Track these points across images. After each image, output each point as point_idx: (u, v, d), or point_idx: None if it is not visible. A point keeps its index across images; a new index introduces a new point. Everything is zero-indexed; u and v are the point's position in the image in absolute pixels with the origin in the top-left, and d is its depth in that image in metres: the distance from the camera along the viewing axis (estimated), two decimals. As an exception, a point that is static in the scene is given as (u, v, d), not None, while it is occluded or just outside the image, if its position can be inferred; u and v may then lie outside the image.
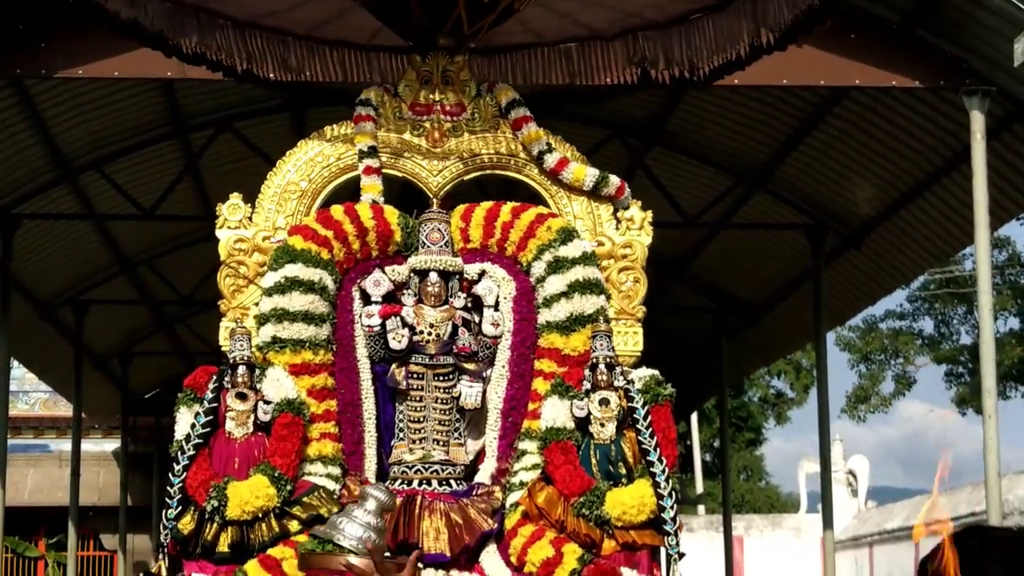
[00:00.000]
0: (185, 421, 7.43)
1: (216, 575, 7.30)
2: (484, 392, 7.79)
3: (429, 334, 7.71)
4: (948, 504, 21.49)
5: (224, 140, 14.96)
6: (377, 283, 7.79)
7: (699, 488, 35.70)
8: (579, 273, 7.70)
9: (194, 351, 20.99)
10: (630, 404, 7.45)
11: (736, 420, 40.54)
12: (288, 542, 7.20)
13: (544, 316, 7.75)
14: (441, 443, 7.72)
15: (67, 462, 20.84)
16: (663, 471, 7.30)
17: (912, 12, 10.80)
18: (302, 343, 7.57)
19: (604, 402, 7.47)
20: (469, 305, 7.85)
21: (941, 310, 35.85)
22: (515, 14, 7.78)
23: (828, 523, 15.88)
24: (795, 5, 7.48)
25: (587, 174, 7.93)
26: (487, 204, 7.97)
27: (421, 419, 7.72)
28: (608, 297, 7.79)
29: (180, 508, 7.31)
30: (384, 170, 7.95)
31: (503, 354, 7.82)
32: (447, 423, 7.75)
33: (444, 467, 7.68)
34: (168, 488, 7.37)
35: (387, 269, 7.84)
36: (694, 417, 34.50)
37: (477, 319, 7.83)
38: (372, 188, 7.92)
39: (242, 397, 7.41)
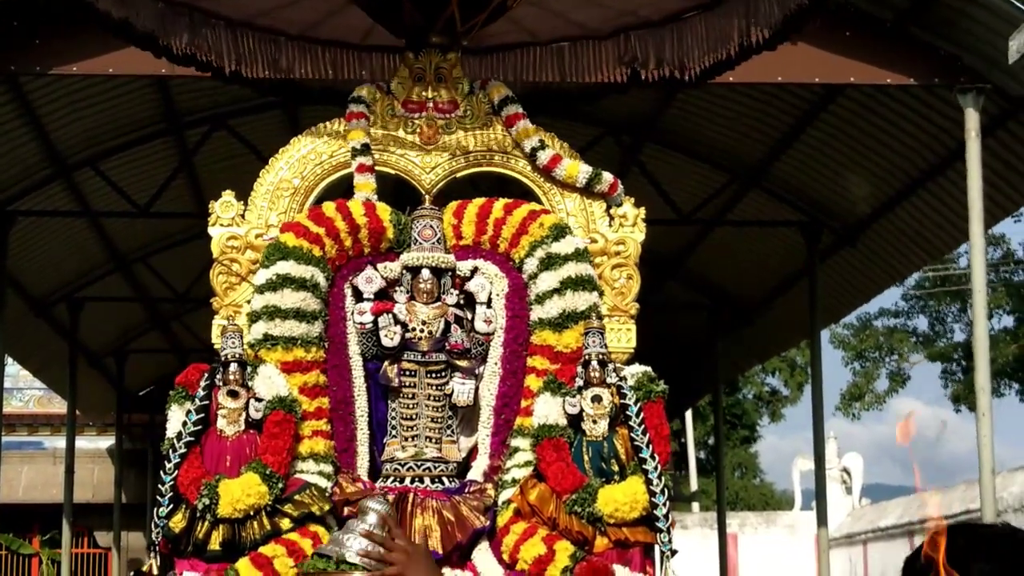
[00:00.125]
0: (176, 419, 7.41)
1: (207, 573, 7.29)
2: (477, 389, 7.79)
3: (421, 331, 7.70)
4: (943, 501, 21.50)
5: (219, 137, 14.97)
6: (369, 280, 7.78)
7: (693, 485, 35.74)
8: (572, 270, 7.70)
9: (189, 348, 21.01)
10: (622, 401, 7.45)
11: (730, 417, 40.60)
12: (280, 540, 7.20)
13: (537, 313, 7.75)
14: (434, 440, 7.72)
15: (61, 459, 20.86)
16: (655, 468, 7.30)
17: (907, 10, 10.82)
18: (294, 340, 7.56)
19: (596, 399, 7.46)
20: (461, 302, 7.84)
21: (935, 308, 35.90)
22: (508, 11, 7.78)
23: (822, 520, 15.91)
24: (785, 3, 7.49)
25: (580, 171, 7.93)
26: (480, 200, 7.97)
27: (414, 416, 7.72)
28: (601, 294, 7.78)
29: (171, 506, 7.29)
30: (376, 167, 7.95)
31: (496, 351, 7.81)
32: (440, 420, 7.75)
33: (437, 464, 7.68)
34: (159, 486, 7.36)
35: (379, 266, 7.83)
36: (688, 414, 34.54)
37: (469, 316, 7.82)
38: (365, 187, 7.91)
39: (233, 395, 7.40)
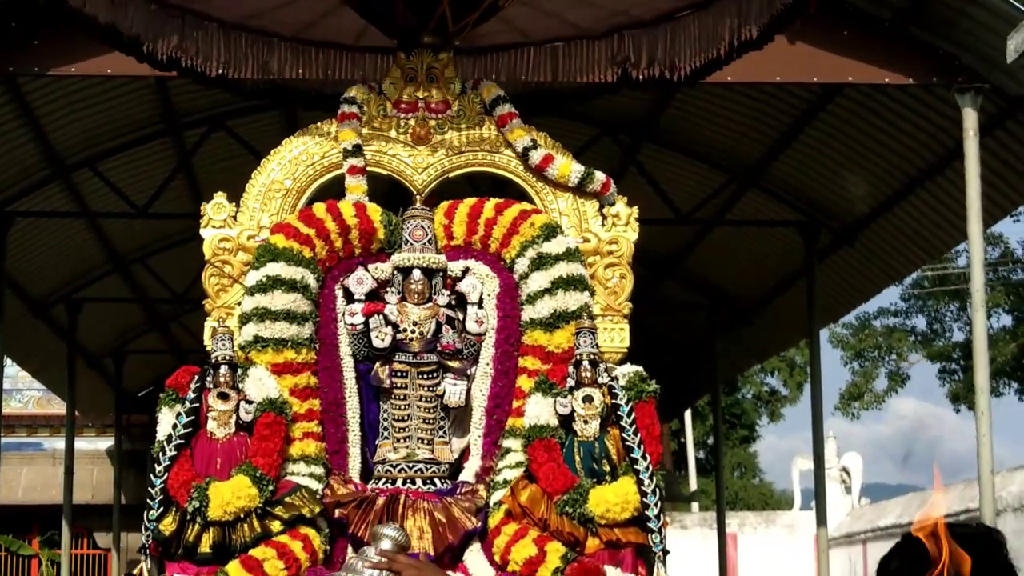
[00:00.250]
0: (167, 421, 7.40)
1: (198, 576, 7.29)
2: (468, 390, 7.77)
3: (412, 332, 7.68)
4: (943, 501, 21.49)
5: (217, 138, 14.97)
6: (360, 281, 7.76)
7: (693, 485, 35.73)
8: (563, 269, 7.68)
9: (188, 349, 20.99)
10: (614, 401, 7.43)
11: (730, 417, 40.61)
12: (270, 543, 7.18)
13: (528, 313, 7.73)
14: (426, 441, 7.70)
15: (61, 460, 20.85)
16: (647, 468, 7.27)
17: (905, 9, 10.82)
18: (284, 342, 7.55)
19: (588, 399, 7.45)
20: (453, 302, 7.82)
21: (934, 307, 35.89)
22: (499, 11, 7.78)
23: (822, 520, 15.91)
24: (773, 2, 7.50)
25: (572, 170, 7.91)
26: (471, 201, 7.96)
27: (405, 417, 7.70)
28: (592, 293, 7.77)
29: (161, 509, 7.28)
30: (368, 168, 7.94)
31: (487, 351, 7.79)
32: (432, 421, 7.73)
33: (428, 466, 7.65)
34: (149, 489, 7.34)
35: (370, 267, 7.81)
36: (688, 414, 34.54)
37: (461, 316, 7.81)
38: (356, 188, 7.90)
39: (224, 397, 7.39)
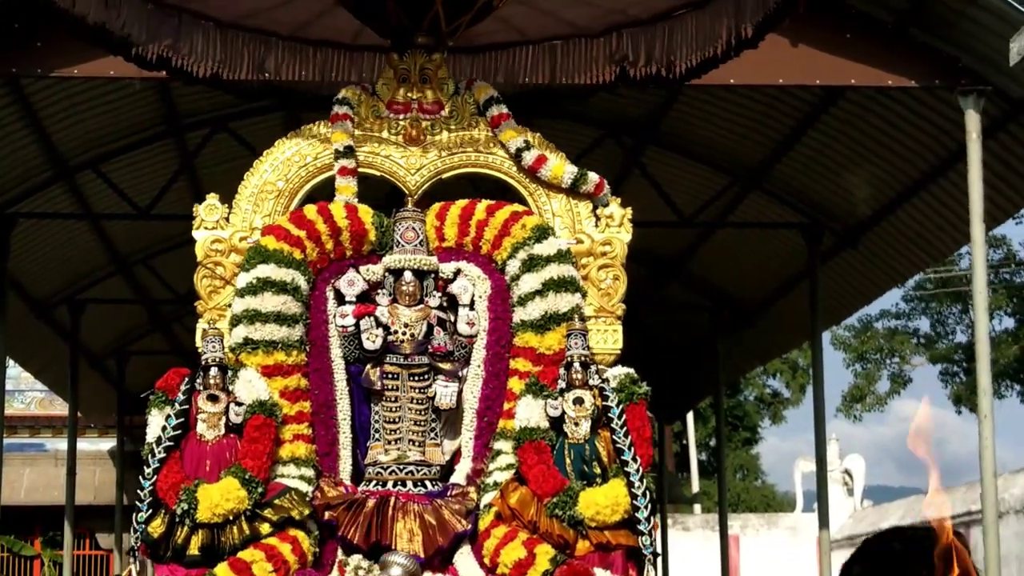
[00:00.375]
0: (157, 423, 7.40)
1: (186, 578, 7.27)
2: (460, 392, 7.76)
3: (404, 334, 7.68)
4: (947, 502, 21.49)
5: (220, 140, 14.96)
6: (351, 283, 7.75)
7: (695, 487, 35.72)
8: (554, 271, 7.67)
9: (190, 350, 20.94)
10: (604, 403, 7.43)
11: (732, 419, 40.58)
12: (259, 545, 7.17)
13: (519, 315, 7.72)
14: (417, 443, 7.69)
15: (63, 461, 20.85)
16: (637, 470, 7.26)
17: (907, 11, 10.81)
18: (274, 344, 7.54)
19: (578, 401, 7.44)
20: (444, 304, 7.81)
21: (937, 309, 35.87)
22: (494, 11, 7.78)
23: (824, 522, 15.88)
24: (765, 1, 7.51)
25: (565, 171, 7.90)
26: (462, 202, 7.95)
27: (396, 420, 7.69)
28: (584, 295, 7.76)
29: (150, 511, 7.28)
30: (361, 169, 7.93)
31: (478, 353, 7.79)
32: (423, 423, 7.71)
33: (419, 468, 7.64)
34: (138, 491, 7.34)
35: (361, 269, 7.80)
36: (690, 416, 34.51)
37: (452, 318, 7.80)
38: (346, 190, 7.88)
39: (213, 399, 7.39)
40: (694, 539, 27.40)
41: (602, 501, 7.21)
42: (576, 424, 7.42)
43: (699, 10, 7.84)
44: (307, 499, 7.34)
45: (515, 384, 7.62)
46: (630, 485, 7.22)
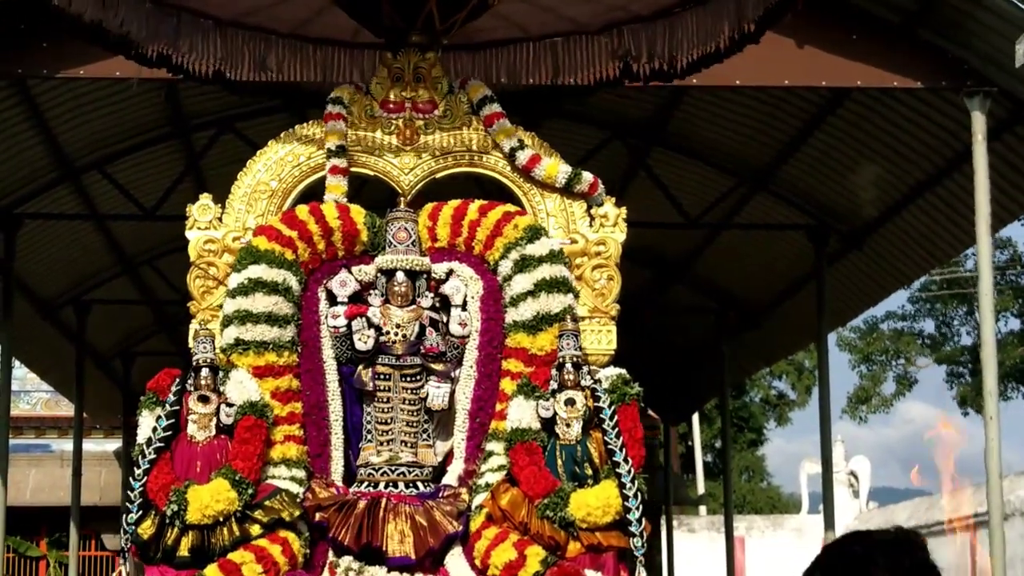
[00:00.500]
0: (147, 424, 7.40)
1: (176, 580, 7.25)
2: (452, 393, 7.75)
3: (396, 335, 7.66)
4: (952, 503, 21.46)
5: (226, 140, 14.95)
6: (343, 283, 7.74)
7: (700, 489, 35.69)
8: (546, 272, 7.65)
9: (195, 351, 20.95)
10: (596, 404, 7.40)
11: (737, 421, 40.54)
12: (249, 546, 7.16)
13: (511, 315, 7.70)
14: (409, 444, 7.67)
15: (69, 462, 20.84)
16: (629, 472, 7.24)
17: (913, 13, 10.80)
18: (265, 345, 7.52)
19: (570, 402, 7.42)
20: (437, 305, 7.80)
21: (942, 311, 35.86)
22: (489, 8, 7.76)
23: (830, 524, 15.86)
24: None
25: (559, 171, 7.89)
26: (455, 202, 7.94)
27: (389, 420, 7.67)
28: (576, 295, 7.74)
29: (141, 512, 7.27)
30: (354, 169, 7.92)
31: (471, 354, 7.77)
32: (415, 424, 7.70)
33: (411, 469, 7.62)
34: (128, 492, 7.33)
35: (354, 269, 7.79)
36: (695, 418, 34.49)
37: (444, 319, 7.78)
38: (336, 188, 7.88)
39: (204, 400, 7.38)
40: (700, 540, 27.36)
41: (593, 502, 7.19)
42: (568, 425, 7.40)
43: (700, 6, 7.83)
44: (298, 500, 7.33)
45: (507, 385, 7.61)
46: (621, 486, 7.20)
